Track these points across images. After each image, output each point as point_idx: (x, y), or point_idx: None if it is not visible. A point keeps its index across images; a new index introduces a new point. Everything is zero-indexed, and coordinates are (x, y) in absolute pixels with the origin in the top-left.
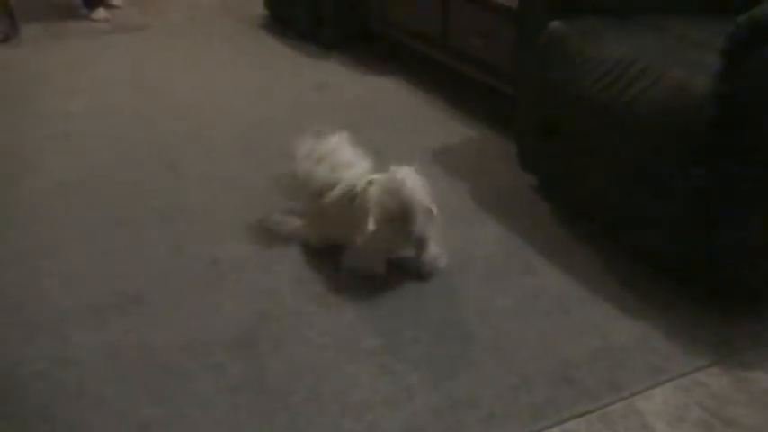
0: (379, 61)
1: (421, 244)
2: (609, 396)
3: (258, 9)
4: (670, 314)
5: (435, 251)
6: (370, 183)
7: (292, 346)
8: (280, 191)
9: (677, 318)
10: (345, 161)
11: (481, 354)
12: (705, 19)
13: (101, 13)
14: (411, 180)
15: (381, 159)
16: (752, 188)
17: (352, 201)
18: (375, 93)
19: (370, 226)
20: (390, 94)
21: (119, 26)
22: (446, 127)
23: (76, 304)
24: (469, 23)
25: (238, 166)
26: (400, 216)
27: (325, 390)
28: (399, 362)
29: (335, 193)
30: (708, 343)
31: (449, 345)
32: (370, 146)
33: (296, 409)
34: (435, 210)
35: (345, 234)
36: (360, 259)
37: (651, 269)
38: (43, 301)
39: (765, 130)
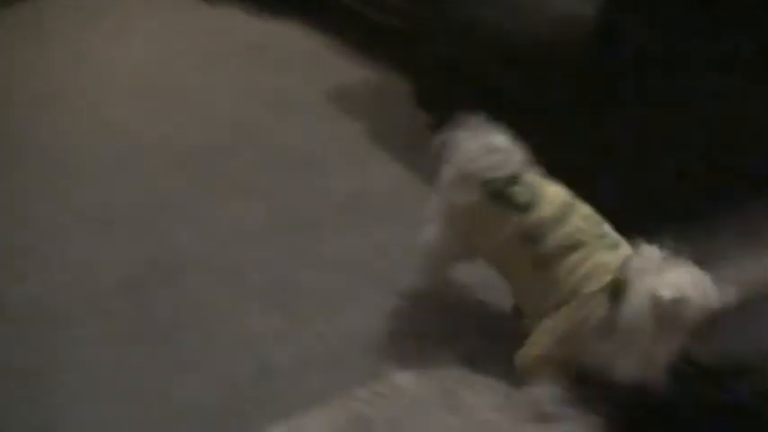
0: (273, 4)
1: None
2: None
3: None
4: None
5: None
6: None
7: (184, 286)
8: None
9: None
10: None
11: (376, 286)
12: None
13: None
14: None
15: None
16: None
17: (615, 294)
18: (270, 37)
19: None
20: (286, 38)
21: None
22: (344, 69)
23: None
24: None
25: (129, 111)
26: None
27: (216, 326)
28: (291, 298)
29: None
30: None
31: (343, 280)
32: (267, 91)
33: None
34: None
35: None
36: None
37: None
38: None
39: (648, 59)
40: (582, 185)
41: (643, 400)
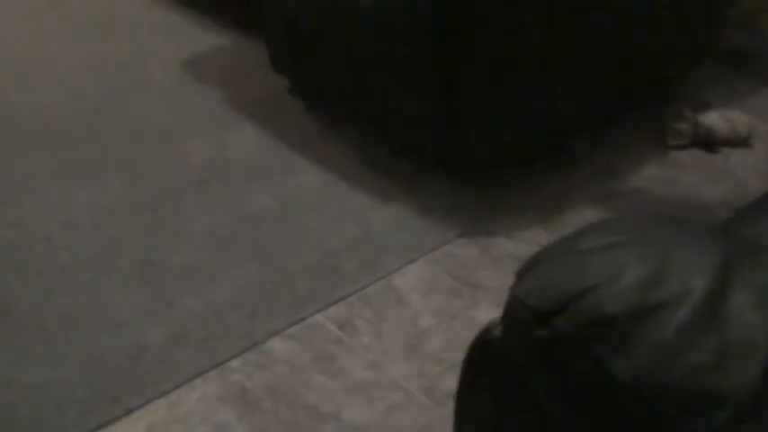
0: None
1: None
2: (367, 278)
3: None
4: (421, 195)
5: None
6: None
7: (45, 273)
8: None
9: (428, 198)
10: None
11: (244, 255)
12: None
13: None
14: None
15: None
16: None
17: None
18: (114, 5)
19: None
20: (134, 7)
21: None
22: (196, 37)
23: None
24: None
25: None
26: None
27: (81, 311)
28: (159, 275)
29: None
30: (455, 217)
31: (211, 252)
32: (116, 62)
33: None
34: None
35: None
36: None
37: (401, 155)
38: None
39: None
40: None
41: None
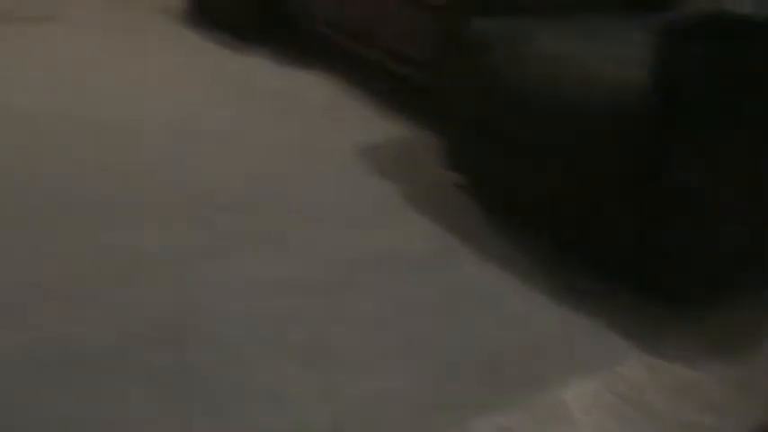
0: (301, 54)
1: None
2: (530, 387)
3: (178, 0)
4: (592, 303)
5: None
6: None
7: (218, 343)
8: None
9: (602, 308)
10: None
11: (406, 347)
12: (617, 16)
13: None
14: None
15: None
16: (689, 188)
17: None
18: (296, 87)
19: None
20: (312, 89)
21: (27, 15)
22: (369, 123)
23: None
24: (394, 18)
25: (156, 156)
26: None
27: (250, 385)
28: (327, 356)
29: None
30: (626, 332)
31: (375, 339)
32: (292, 141)
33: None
34: None
35: None
36: None
37: (577, 261)
38: None
39: (705, 122)
40: None
41: None
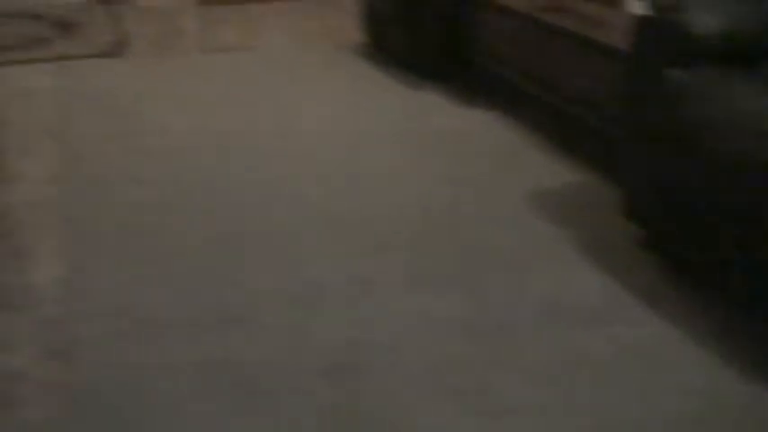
0: (477, 94)
1: None
2: None
3: (357, 35)
4: None
5: None
6: None
7: (383, 378)
8: None
9: None
10: None
11: (569, 403)
12: None
13: None
14: None
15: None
16: None
17: None
18: (472, 127)
19: None
20: (488, 130)
21: (218, 45)
22: (545, 168)
23: (176, 317)
24: (575, 62)
25: (331, 187)
26: None
27: (411, 424)
28: (491, 404)
29: None
30: None
31: (539, 391)
32: (463, 180)
33: None
34: None
35: None
36: None
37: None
38: (145, 309)
39: None
40: None
41: None
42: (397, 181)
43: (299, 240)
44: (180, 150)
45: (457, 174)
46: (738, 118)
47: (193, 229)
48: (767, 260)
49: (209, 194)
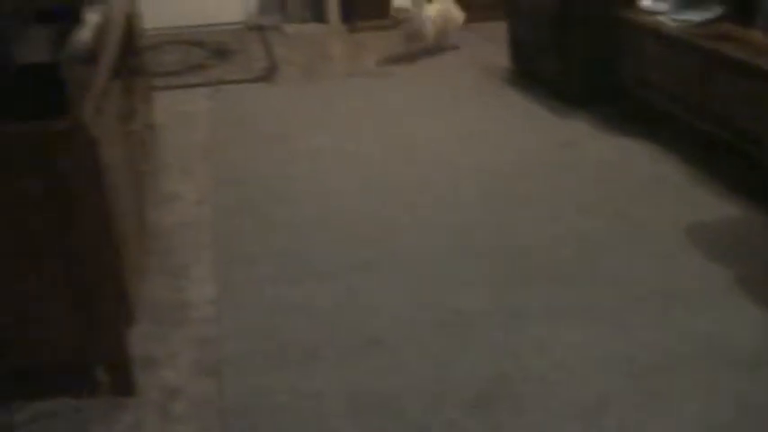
0: (627, 121)
1: None
2: None
3: (504, 62)
4: None
5: None
6: None
7: (533, 413)
8: None
9: None
10: None
11: None
12: None
13: None
14: None
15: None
16: None
17: None
18: (623, 155)
19: None
20: (639, 158)
21: (364, 70)
22: (699, 199)
23: (320, 340)
24: (732, 89)
25: (478, 216)
26: None
27: None
28: None
29: None
30: None
31: None
32: (614, 212)
33: None
34: None
35: None
36: None
37: None
38: (291, 333)
39: None
40: None
41: None
42: (546, 211)
43: (444, 268)
44: (325, 173)
45: (608, 205)
46: None
47: (337, 252)
48: None
49: (352, 217)
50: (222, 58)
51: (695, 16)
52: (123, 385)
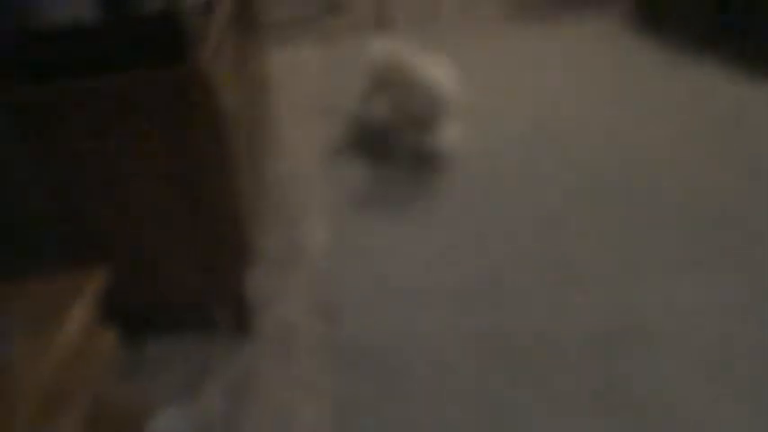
0: (759, 68)
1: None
2: None
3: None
4: None
5: None
6: None
7: (653, 359)
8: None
9: None
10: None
11: None
12: None
13: None
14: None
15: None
16: None
17: None
18: (754, 103)
19: None
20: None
21: (478, 16)
22: None
23: (430, 286)
24: None
25: (597, 164)
26: None
27: (683, 411)
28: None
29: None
30: None
31: None
32: (743, 161)
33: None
34: None
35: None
36: None
37: None
38: (399, 278)
39: None
40: None
41: None
42: (674, 164)
43: (559, 212)
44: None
45: (738, 156)
46: None
47: (472, 199)
48: None
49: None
50: (333, 11)
51: None
52: (242, 323)
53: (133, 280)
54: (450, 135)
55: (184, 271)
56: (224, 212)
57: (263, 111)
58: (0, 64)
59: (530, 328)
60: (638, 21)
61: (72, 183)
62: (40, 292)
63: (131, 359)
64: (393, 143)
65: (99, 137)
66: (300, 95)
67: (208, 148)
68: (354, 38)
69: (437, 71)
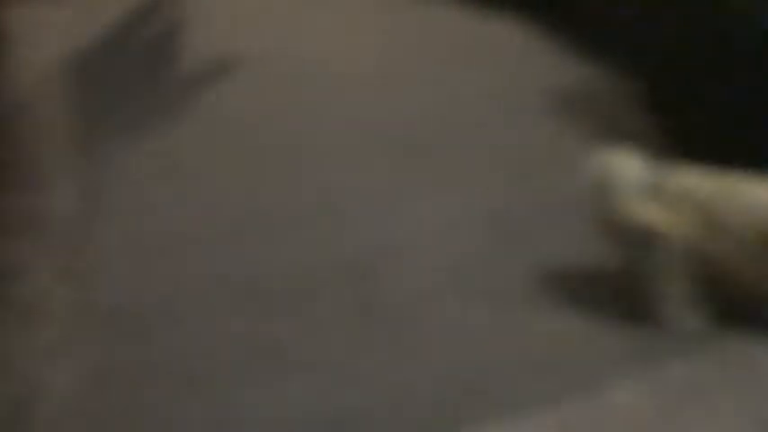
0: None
1: None
2: None
3: None
4: None
5: None
6: None
7: (402, 275)
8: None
9: None
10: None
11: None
12: None
13: None
14: None
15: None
16: None
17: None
18: (486, 32)
19: None
20: (502, 34)
21: None
22: (563, 66)
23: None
24: None
25: (352, 98)
26: None
27: (436, 318)
28: (511, 296)
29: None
30: None
31: (562, 285)
32: (482, 87)
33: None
34: None
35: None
36: None
37: None
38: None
39: None
40: None
41: None
42: (414, 90)
43: (310, 150)
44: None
45: (473, 81)
46: None
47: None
48: None
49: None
50: None
51: None
52: None
53: None
54: None
55: None
56: None
57: None
58: None
59: (284, 265)
60: None
61: None
62: None
63: None
64: None
65: None
66: None
67: None
68: None
69: None
